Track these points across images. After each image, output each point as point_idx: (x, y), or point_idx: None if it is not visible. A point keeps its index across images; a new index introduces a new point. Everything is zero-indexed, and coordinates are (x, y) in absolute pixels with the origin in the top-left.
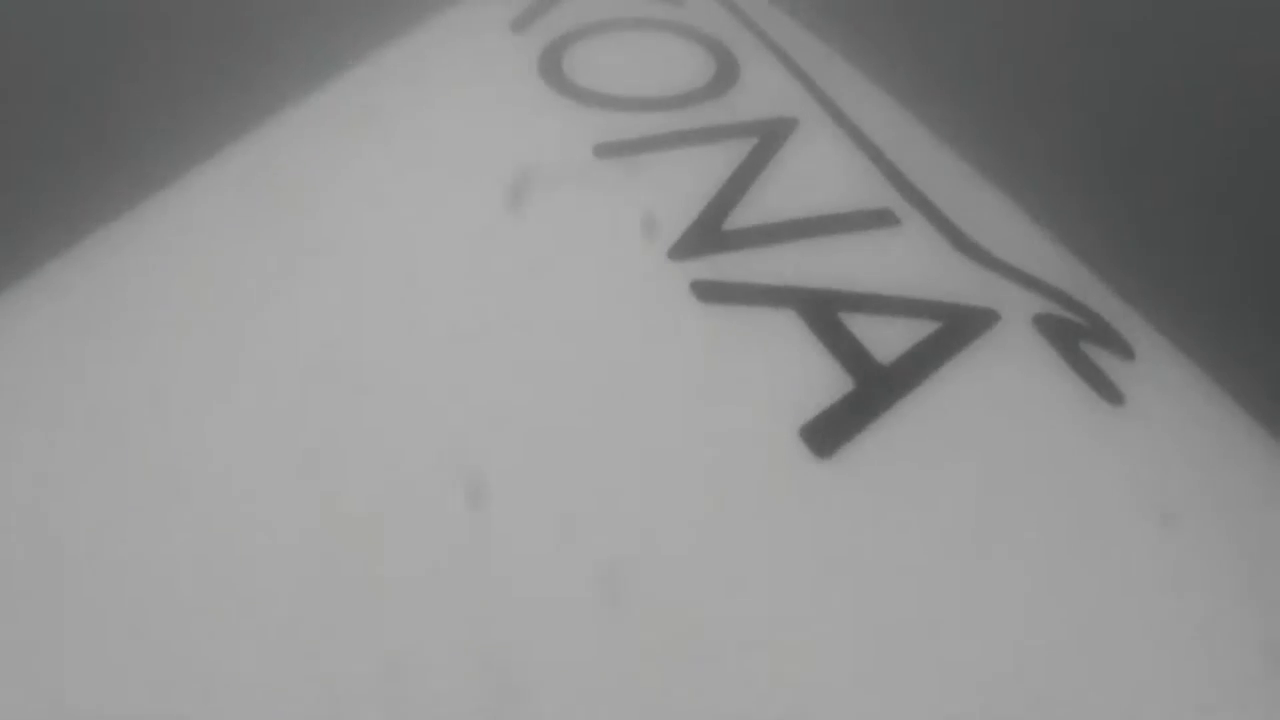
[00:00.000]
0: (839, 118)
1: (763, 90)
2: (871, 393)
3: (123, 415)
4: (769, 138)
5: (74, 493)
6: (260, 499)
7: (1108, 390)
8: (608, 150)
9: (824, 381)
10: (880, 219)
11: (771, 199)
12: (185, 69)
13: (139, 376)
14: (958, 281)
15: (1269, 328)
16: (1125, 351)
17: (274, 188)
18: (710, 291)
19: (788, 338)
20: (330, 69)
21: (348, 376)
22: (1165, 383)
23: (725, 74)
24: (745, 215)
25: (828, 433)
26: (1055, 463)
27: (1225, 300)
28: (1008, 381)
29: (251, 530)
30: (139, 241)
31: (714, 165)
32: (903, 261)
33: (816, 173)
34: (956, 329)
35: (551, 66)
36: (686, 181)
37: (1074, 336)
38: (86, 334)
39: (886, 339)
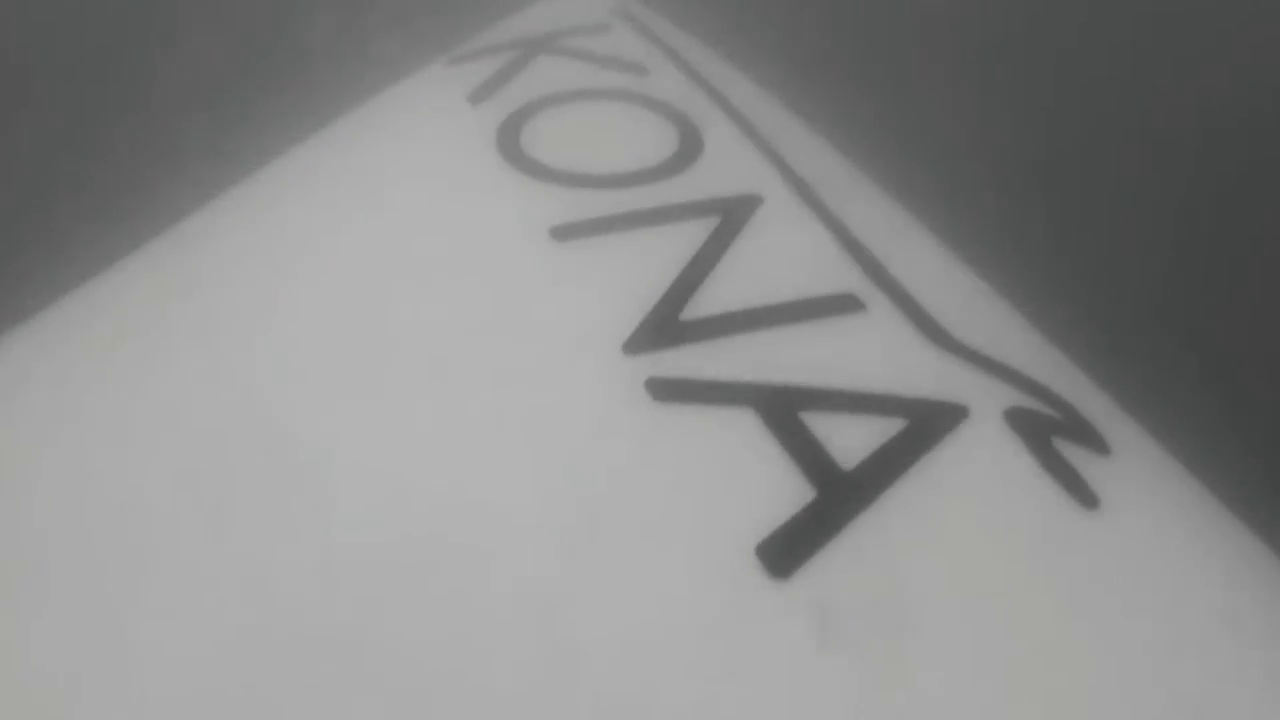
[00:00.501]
0: (804, 193)
1: (727, 164)
2: (832, 504)
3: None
4: (731, 216)
5: None
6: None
7: (1082, 492)
8: (565, 232)
9: (783, 490)
10: (845, 304)
11: (732, 284)
12: (138, 142)
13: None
14: (925, 373)
15: (1251, 418)
16: (1100, 446)
17: (212, 268)
18: (665, 390)
19: (746, 441)
20: (281, 143)
21: (287, 466)
22: (1142, 480)
23: (688, 147)
24: (704, 303)
25: (785, 551)
26: (1027, 578)
27: (1204, 388)
28: (976, 487)
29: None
30: (71, 333)
31: (674, 247)
32: (868, 351)
33: (779, 254)
34: (924, 427)
35: (509, 141)
36: (645, 266)
37: (1047, 432)
38: None
39: (850, 440)
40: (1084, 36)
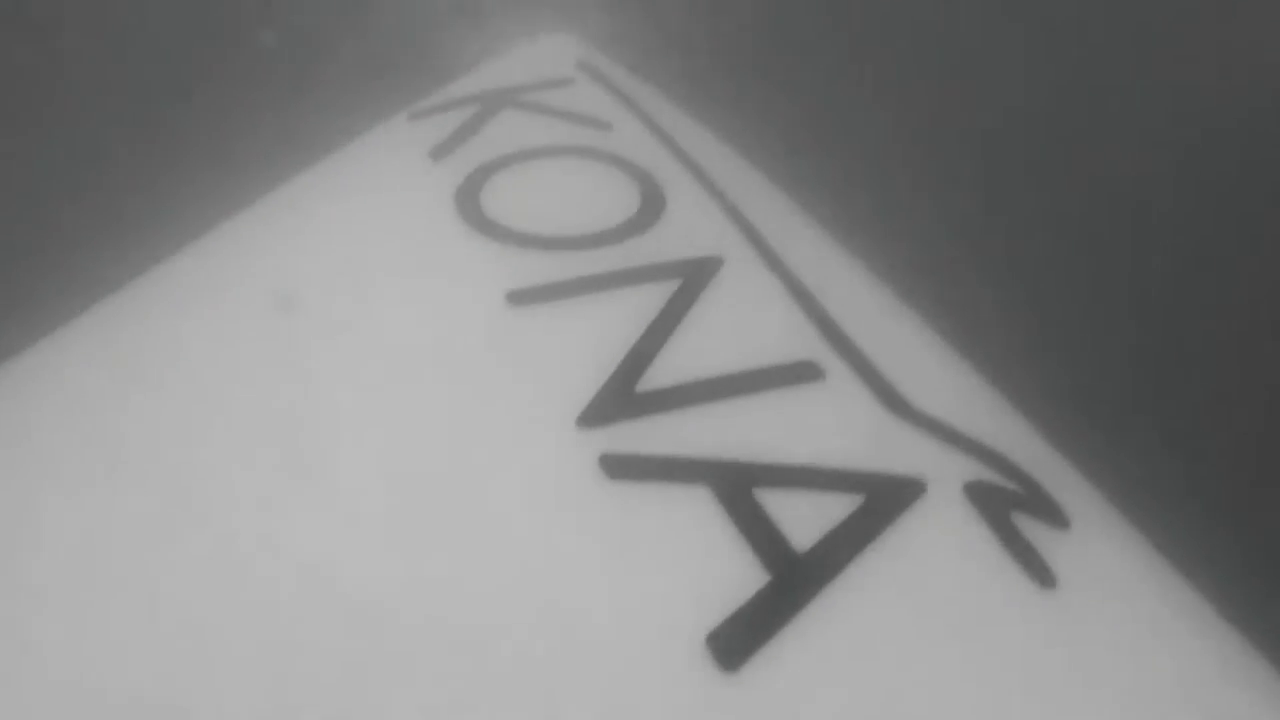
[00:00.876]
0: (766, 254)
1: (688, 224)
2: (785, 589)
3: None
4: (692, 280)
5: None
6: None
7: (1039, 572)
8: (522, 298)
9: (736, 575)
10: (804, 373)
11: (689, 352)
12: (85, 203)
13: None
14: (883, 445)
15: (1218, 490)
16: (1060, 521)
17: (153, 334)
18: (620, 467)
19: (700, 521)
20: (235, 202)
21: (228, 562)
22: (1101, 556)
23: (650, 206)
24: (661, 373)
25: (735, 642)
26: (982, 661)
27: (1169, 457)
28: (932, 567)
29: None
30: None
31: (633, 313)
32: (826, 423)
33: (738, 320)
34: (880, 504)
35: (469, 201)
36: (603, 333)
37: (1006, 506)
38: None
39: (806, 519)
40: (1031, 102)
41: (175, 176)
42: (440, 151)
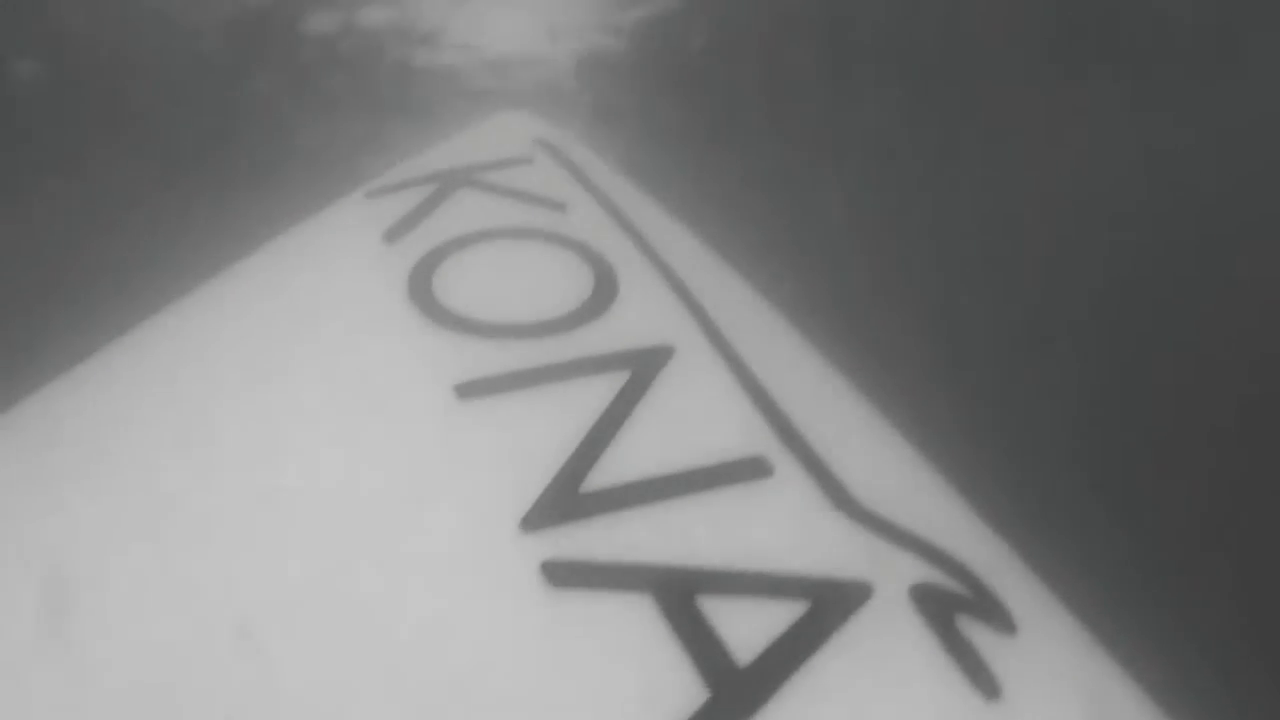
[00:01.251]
0: (718, 342)
1: (640, 311)
2: (724, 707)
3: None
4: (642, 371)
5: None
6: None
7: (983, 681)
8: (470, 390)
9: (676, 692)
10: (752, 469)
11: (637, 449)
12: (30, 281)
13: None
14: (831, 546)
15: (1176, 593)
16: (1006, 624)
17: (90, 422)
18: (561, 574)
19: (641, 633)
20: (187, 282)
21: (171, 660)
22: (1048, 663)
23: (603, 292)
24: (607, 471)
25: None
26: None
27: (1123, 559)
28: (875, 679)
29: None
30: None
31: (581, 406)
32: (772, 523)
33: (687, 414)
34: (825, 610)
35: (421, 285)
36: (550, 428)
37: (952, 610)
38: None
39: (749, 628)
40: (987, 196)
41: (125, 257)
42: (394, 233)
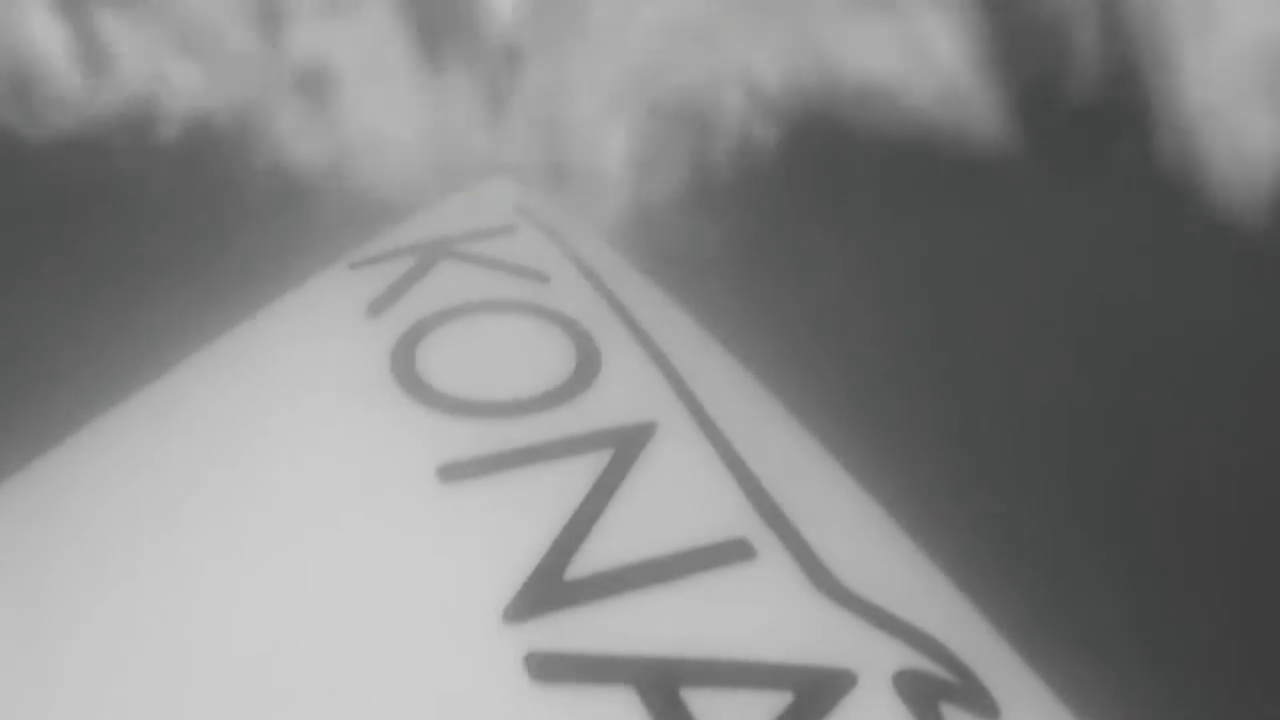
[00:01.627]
0: (701, 418)
1: (623, 387)
2: None
3: None
4: (624, 450)
5: None
6: None
7: None
8: (452, 473)
9: None
10: (735, 552)
11: (620, 533)
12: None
13: None
14: (815, 632)
15: (1157, 679)
16: (989, 709)
17: (66, 504)
18: (544, 668)
19: None
20: (165, 360)
21: None
22: None
23: (586, 367)
24: (591, 557)
25: None
26: None
27: (1105, 641)
28: None
29: None
30: None
31: (564, 489)
32: (755, 609)
33: (670, 495)
34: (809, 701)
35: (404, 361)
36: (533, 513)
37: (935, 697)
38: None
39: None
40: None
41: (103, 330)
42: (378, 306)
